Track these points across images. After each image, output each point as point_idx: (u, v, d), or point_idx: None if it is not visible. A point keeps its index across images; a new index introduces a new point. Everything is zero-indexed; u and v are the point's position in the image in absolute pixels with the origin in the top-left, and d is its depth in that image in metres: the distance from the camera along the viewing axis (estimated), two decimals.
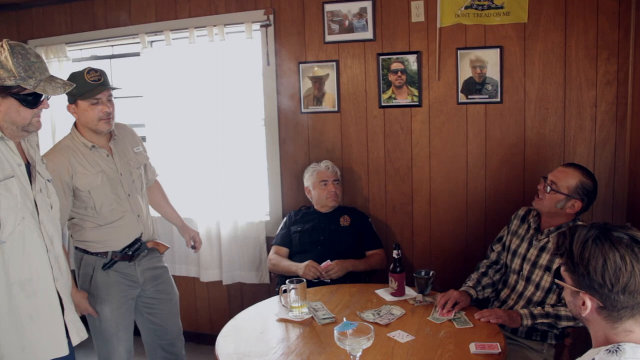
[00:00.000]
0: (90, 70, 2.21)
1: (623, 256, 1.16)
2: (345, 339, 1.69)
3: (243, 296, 3.50)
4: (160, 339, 2.51)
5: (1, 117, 1.64)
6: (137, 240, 2.34)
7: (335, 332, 1.72)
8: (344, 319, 1.84)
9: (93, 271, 2.28)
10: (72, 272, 2.22)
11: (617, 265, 1.16)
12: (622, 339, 1.19)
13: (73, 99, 2.20)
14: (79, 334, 1.85)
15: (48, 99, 1.71)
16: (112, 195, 2.27)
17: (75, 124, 2.30)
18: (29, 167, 1.73)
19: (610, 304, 1.18)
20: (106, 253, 2.29)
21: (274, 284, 3.15)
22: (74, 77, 2.19)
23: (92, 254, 2.28)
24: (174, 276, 2.62)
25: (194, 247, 2.69)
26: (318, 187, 2.96)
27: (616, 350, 1.15)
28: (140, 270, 2.38)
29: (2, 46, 1.60)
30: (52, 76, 1.67)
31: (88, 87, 2.18)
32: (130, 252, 2.32)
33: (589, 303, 1.21)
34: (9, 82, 1.58)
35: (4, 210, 1.61)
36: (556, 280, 1.30)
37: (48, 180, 1.82)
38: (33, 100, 1.65)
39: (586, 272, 1.19)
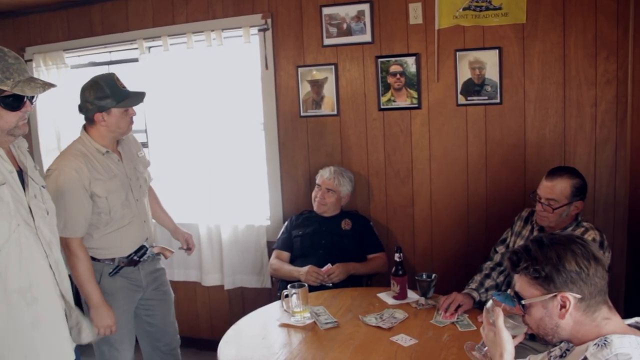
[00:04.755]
0: (117, 77, 2.19)
1: (579, 244, 1.24)
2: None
3: (244, 301, 3.48)
4: (158, 341, 2.51)
5: None
6: (143, 245, 2.34)
7: (489, 304, 1.42)
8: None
9: (100, 278, 2.26)
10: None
11: (581, 251, 1.23)
12: (603, 328, 1.21)
13: (107, 107, 2.14)
14: (92, 331, 1.84)
15: (31, 101, 1.68)
16: (125, 201, 2.27)
17: (85, 128, 2.23)
18: (21, 173, 1.72)
19: (588, 290, 1.21)
20: (113, 259, 2.28)
21: (275, 289, 3.13)
22: (108, 84, 2.14)
23: (99, 260, 2.26)
24: (174, 281, 2.61)
25: (188, 249, 2.68)
26: (315, 188, 2.98)
27: (605, 344, 1.16)
28: (144, 273, 2.38)
29: None
30: (32, 77, 1.65)
31: (123, 94, 2.16)
32: (136, 258, 2.32)
33: (570, 299, 1.21)
34: None
35: None
36: (523, 302, 1.28)
37: (42, 186, 1.81)
38: (14, 103, 1.62)
39: (559, 267, 1.22)
